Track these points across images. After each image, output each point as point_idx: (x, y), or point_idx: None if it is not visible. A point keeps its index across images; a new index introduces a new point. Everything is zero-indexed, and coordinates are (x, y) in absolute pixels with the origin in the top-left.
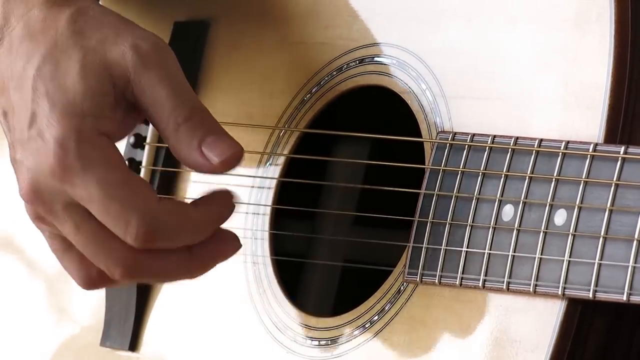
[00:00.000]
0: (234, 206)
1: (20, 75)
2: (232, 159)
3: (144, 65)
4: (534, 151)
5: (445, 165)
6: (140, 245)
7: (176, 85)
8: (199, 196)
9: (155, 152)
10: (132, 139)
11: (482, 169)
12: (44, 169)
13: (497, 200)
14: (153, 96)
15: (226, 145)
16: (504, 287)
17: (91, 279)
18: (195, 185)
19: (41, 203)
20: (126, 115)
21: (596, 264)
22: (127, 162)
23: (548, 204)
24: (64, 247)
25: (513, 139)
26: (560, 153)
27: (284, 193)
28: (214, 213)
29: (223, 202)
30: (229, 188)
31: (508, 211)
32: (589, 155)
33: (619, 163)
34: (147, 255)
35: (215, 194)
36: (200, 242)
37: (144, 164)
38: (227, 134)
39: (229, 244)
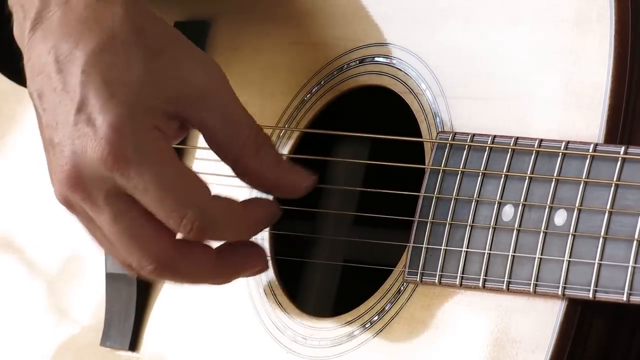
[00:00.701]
0: (280, 212)
1: (66, 58)
2: (314, 184)
3: (217, 86)
4: (534, 151)
5: (445, 165)
6: (193, 238)
7: (244, 109)
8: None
9: None
10: None
11: (482, 169)
12: (91, 156)
13: (497, 200)
14: (228, 118)
15: (303, 171)
16: (504, 287)
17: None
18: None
19: (80, 189)
20: (177, 129)
21: (596, 264)
22: None
23: (548, 204)
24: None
25: (513, 139)
26: (561, 153)
27: None
28: (261, 214)
29: (270, 206)
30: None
31: (508, 211)
32: (589, 156)
33: (619, 163)
34: (181, 253)
35: (262, 199)
36: (232, 251)
37: None
38: None
39: (258, 261)
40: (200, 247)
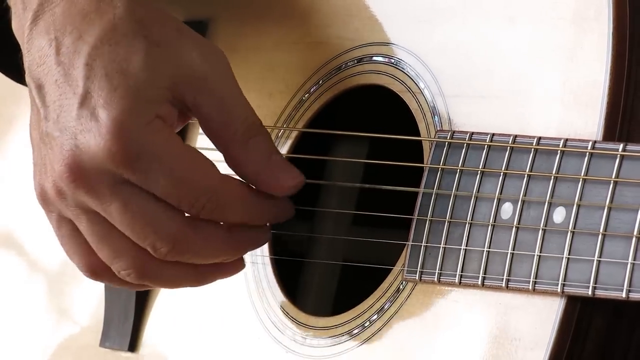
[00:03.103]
0: (293, 212)
1: (68, 51)
2: (299, 186)
3: (214, 72)
4: (533, 149)
5: (444, 164)
6: (206, 217)
7: (243, 98)
8: None
9: None
10: None
11: (480, 167)
12: (96, 150)
13: (496, 198)
14: (222, 105)
15: (295, 170)
16: (503, 284)
17: (95, 268)
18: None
19: (84, 183)
20: (178, 116)
21: (595, 261)
22: None
23: (547, 202)
24: (70, 232)
25: (511, 137)
26: (559, 151)
27: None
28: (273, 205)
29: (283, 201)
30: None
31: (507, 209)
32: (587, 153)
33: (617, 160)
34: (194, 230)
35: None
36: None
37: None
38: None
39: (265, 232)
40: (211, 223)
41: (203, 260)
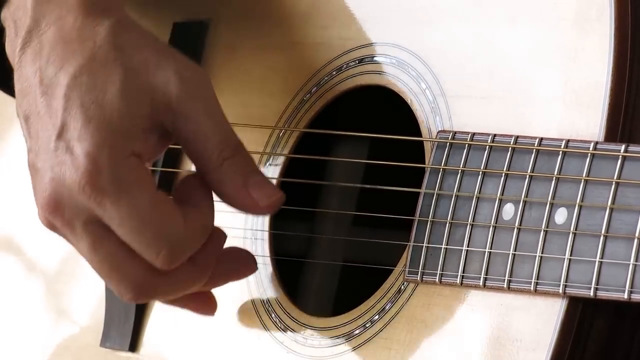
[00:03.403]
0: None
1: (51, 82)
2: (276, 203)
3: (190, 96)
4: (534, 150)
5: (446, 165)
6: (167, 268)
7: (220, 120)
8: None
9: None
10: None
11: (482, 168)
12: (70, 184)
13: (497, 199)
14: (197, 128)
15: (271, 188)
16: (505, 286)
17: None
18: None
19: (60, 216)
20: (158, 141)
21: (597, 263)
22: None
23: (548, 203)
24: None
25: (513, 138)
26: (561, 152)
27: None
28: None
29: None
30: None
31: (508, 210)
32: (589, 154)
33: (619, 161)
34: (159, 278)
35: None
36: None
37: None
38: (267, 178)
39: (246, 266)
40: (180, 268)
41: (174, 297)
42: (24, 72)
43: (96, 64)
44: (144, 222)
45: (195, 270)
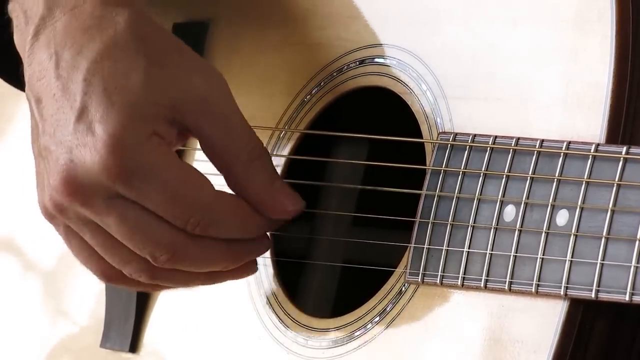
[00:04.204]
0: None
1: (67, 65)
2: (300, 210)
3: (217, 96)
4: (536, 151)
5: (447, 166)
6: (200, 233)
7: (245, 121)
8: None
9: None
10: None
11: (483, 169)
12: (91, 165)
13: (498, 200)
14: (225, 129)
15: (295, 195)
16: (506, 287)
17: (109, 274)
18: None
19: (79, 196)
20: (177, 135)
21: (598, 264)
22: None
23: (550, 205)
24: (79, 243)
25: (514, 140)
26: (562, 153)
27: None
28: (265, 219)
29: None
30: None
31: (509, 212)
32: (590, 156)
33: (620, 163)
34: (193, 241)
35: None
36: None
37: None
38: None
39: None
40: (213, 242)
41: (202, 269)
42: (37, 57)
43: (117, 50)
44: (171, 198)
45: (227, 252)
